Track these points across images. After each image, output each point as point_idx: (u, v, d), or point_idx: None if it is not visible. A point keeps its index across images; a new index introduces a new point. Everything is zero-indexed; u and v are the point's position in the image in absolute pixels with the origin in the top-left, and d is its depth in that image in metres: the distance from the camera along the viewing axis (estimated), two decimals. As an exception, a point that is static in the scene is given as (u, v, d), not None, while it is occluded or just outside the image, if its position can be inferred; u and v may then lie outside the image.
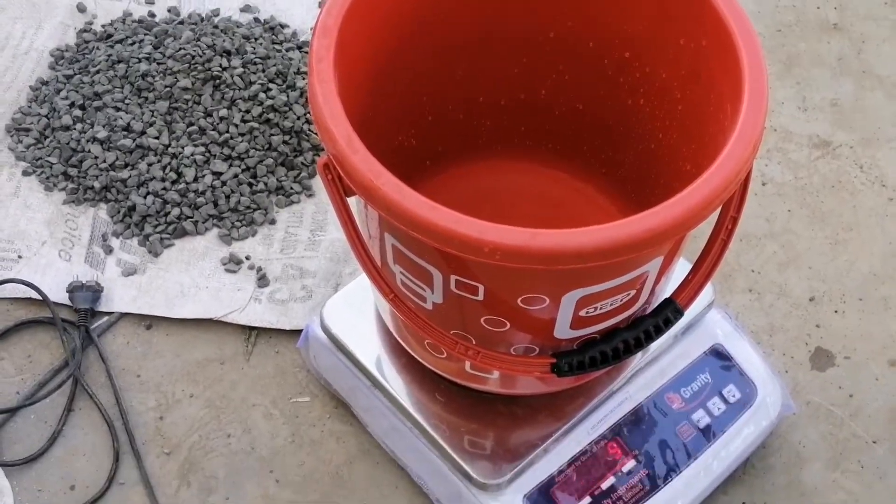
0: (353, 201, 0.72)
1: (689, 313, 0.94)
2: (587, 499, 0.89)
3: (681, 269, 0.78)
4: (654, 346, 0.93)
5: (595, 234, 0.61)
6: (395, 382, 0.91)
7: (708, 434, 0.93)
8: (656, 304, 0.77)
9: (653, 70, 0.82)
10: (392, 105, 0.83)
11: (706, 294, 0.95)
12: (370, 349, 0.93)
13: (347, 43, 0.70)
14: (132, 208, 1.13)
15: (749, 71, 0.68)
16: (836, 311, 1.11)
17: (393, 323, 0.87)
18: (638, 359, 0.93)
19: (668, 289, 0.78)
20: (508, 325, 0.72)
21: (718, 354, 0.96)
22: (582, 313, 0.71)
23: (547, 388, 0.87)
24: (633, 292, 0.72)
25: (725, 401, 0.94)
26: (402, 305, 0.74)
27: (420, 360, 0.88)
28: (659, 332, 0.76)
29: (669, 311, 0.76)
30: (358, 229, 0.72)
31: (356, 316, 0.94)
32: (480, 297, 0.69)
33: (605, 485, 0.89)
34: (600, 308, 0.71)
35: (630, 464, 0.91)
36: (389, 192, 0.63)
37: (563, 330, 0.73)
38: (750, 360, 0.97)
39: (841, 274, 1.14)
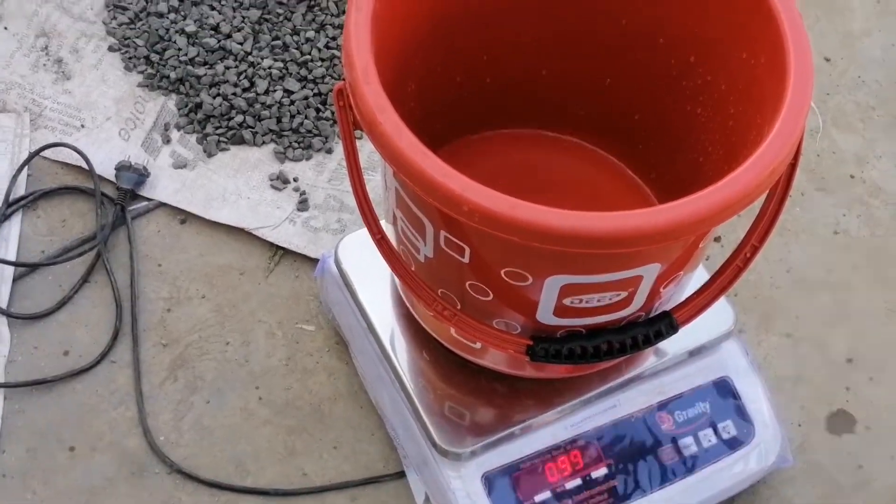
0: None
1: (704, 337, 0.91)
2: (547, 493, 0.87)
3: (694, 286, 0.75)
4: (659, 360, 0.90)
5: (573, 219, 0.58)
6: (389, 331, 0.90)
7: (690, 463, 0.89)
8: (654, 314, 0.75)
9: (714, 79, 0.79)
10: (438, 59, 0.81)
11: (724, 321, 0.91)
12: (375, 293, 0.92)
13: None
14: (199, 105, 1.14)
15: (791, 95, 0.65)
16: (870, 379, 1.06)
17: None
18: (639, 368, 0.90)
19: (672, 302, 0.76)
20: (492, 295, 0.71)
21: (725, 387, 0.93)
22: (566, 302, 0.69)
23: (531, 373, 0.85)
24: (624, 294, 0.69)
25: (718, 435, 0.91)
26: (387, 251, 0.74)
27: (415, 314, 0.87)
28: (648, 342, 0.73)
29: (664, 324, 0.74)
30: (357, 160, 0.71)
31: (370, 258, 0.92)
32: (466, 259, 0.68)
33: (569, 485, 0.87)
34: (586, 301, 0.69)
35: (601, 471, 0.88)
36: (388, 130, 0.62)
37: (545, 315, 0.71)
38: (756, 401, 0.93)
39: (888, 343, 1.08)
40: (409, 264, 0.76)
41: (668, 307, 0.75)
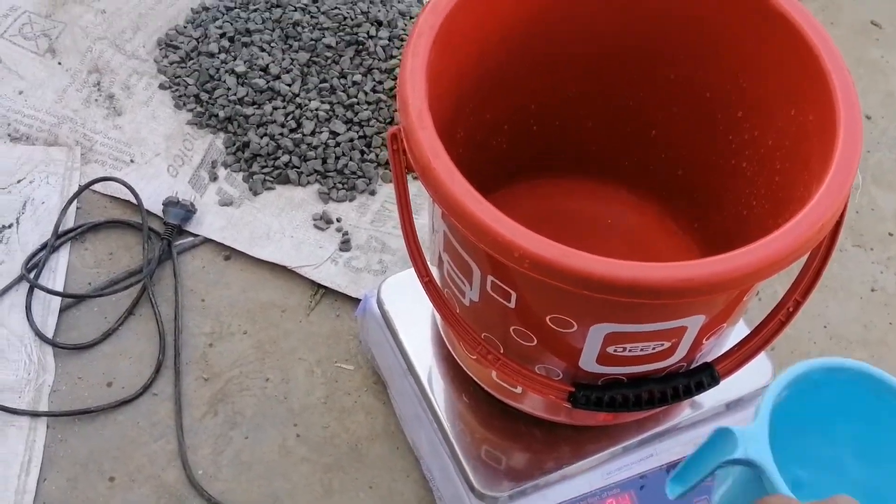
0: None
1: (742, 390, 0.92)
2: (580, 541, 0.87)
3: (734, 339, 0.76)
4: (696, 412, 0.90)
5: (625, 269, 0.59)
6: (428, 372, 0.91)
7: (726, 516, 0.89)
8: (695, 365, 0.75)
9: (761, 135, 0.79)
10: (487, 107, 0.83)
11: (762, 375, 0.91)
12: (415, 335, 0.93)
13: (456, 28, 0.70)
14: (246, 144, 1.16)
15: (840, 153, 0.65)
16: (907, 437, 1.05)
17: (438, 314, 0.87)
18: (677, 419, 0.91)
19: (713, 353, 0.76)
20: (535, 340, 0.72)
21: (762, 441, 0.92)
22: (610, 349, 0.70)
23: (570, 419, 0.86)
24: (667, 344, 0.70)
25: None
26: (434, 293, 0.74)
27: (456, 357, 0.87)
28: (689, 392, 0.74)
29: (705, 376, 0.74)
30: (409, 204, 0.72)
31: (412, 299, 0.94)
32: (512, 304, 0.69)
33: (602, 533, 0.87)
34: (630, 350, 0.70)
35: (636, 521, 0.88)
36: (441, 175, 0.63)
37: (588, 362, 0.72)
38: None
39: (925, 401, 1.08)
40: (454, 307, 0.77)
41: (708, 359, 0.75)
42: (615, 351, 0.70)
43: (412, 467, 0.98)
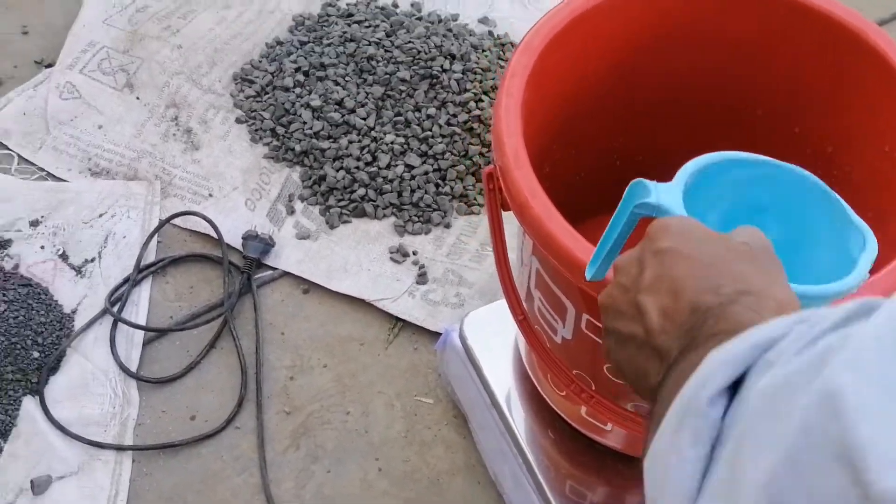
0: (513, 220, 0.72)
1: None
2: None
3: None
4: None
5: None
6: (514, 408, 0.91)
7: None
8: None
9: (851, 171, 0.79)
10: (578, 143, 0.83)
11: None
12: (499, 369, 0.93)
13: (548, 68, 0.71)
14: (323, 178, 1.17)
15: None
16: None
17: (523, 349, 0.87)
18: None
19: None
20: (629, 378, 0.71)
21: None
22: (705, 388, 0.69)
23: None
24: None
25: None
26: (528, 330, 0.74)
27: (542, 392, 0.87)
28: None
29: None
30: (504, 242, 0.72)
31: (495, 334, 0.95)
32: (607, 342, 0.69)
33: (692, 571, 0.86)
34: (726, 388, 0.69)
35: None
36: (539, 213, 0.63)
37: (683, 399, 0.71)
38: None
39: None
40: (544, 343, 0.77)
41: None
42: (711, 389, 0.69)
43: (494, 502, 0.97)
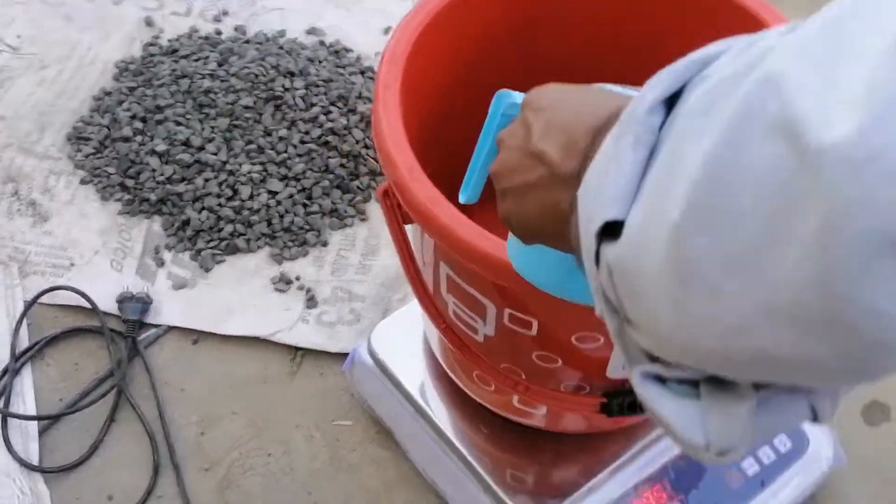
0: (410, 230, 0.71)
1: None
2: (628, 541, 0.87)
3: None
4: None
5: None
6: (440, 411, 0.90)
7: (756, 482, 0.91)
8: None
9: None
10: (459, 133, 0.82)
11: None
12: (416, 377, 0.92)
13: (415, 72, 0.70)
14: (186, 222, 1.13)
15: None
16: None
17: (441, 352, 0.86)
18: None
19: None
20: (560, 361, 0.71)
21: (770, 403, 0.94)
22: (635, 354, 0.70)
23: (595, 428, 0.86)
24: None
25: (776, 451, 0.92)
26: (453, 336, 0.74)
27: (467, 391, 0.87)
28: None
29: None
30: (414, 257, 0.71)
31: (404, 343, 0.94)
32: (534, 332, 0.68)
33: (648, 527, 0.88)
34: (655, 350, 0.70)
35: (675, 507, 0.89)
36: (446, 221, 0.62)
37: (615, 370, 0.72)
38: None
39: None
40: (470, 346, 0.76)
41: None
42: (641, 354, 0.70)
43: (438, 508, 0.97)
